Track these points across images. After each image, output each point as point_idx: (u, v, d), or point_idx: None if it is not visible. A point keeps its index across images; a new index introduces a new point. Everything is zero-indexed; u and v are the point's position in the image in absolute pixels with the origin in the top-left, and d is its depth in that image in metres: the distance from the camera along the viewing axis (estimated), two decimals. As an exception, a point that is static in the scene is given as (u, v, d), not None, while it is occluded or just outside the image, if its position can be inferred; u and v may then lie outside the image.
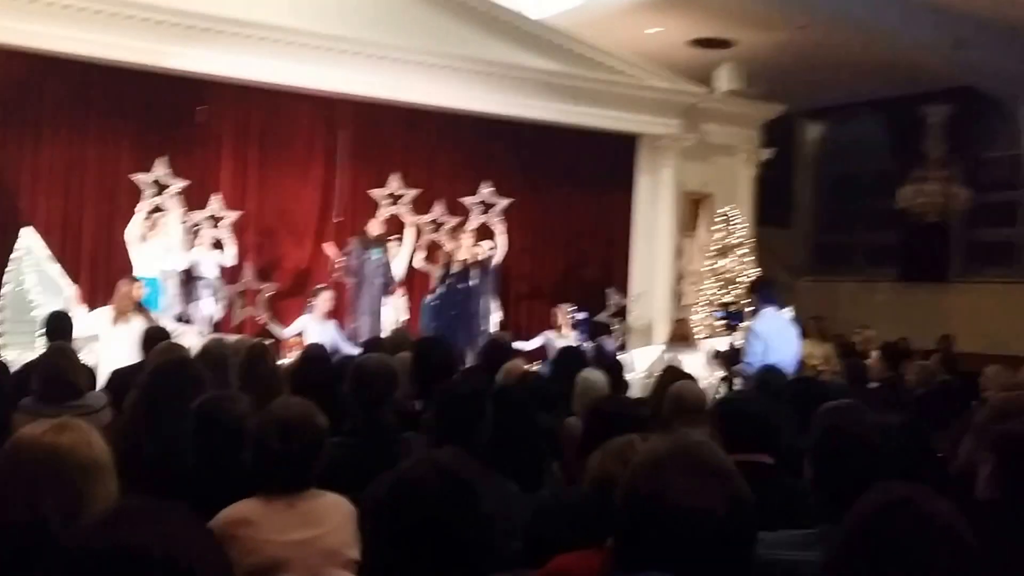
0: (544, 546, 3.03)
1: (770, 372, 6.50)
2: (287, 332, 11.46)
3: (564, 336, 12.28)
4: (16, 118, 11.54)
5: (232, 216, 12.37)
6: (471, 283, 11.83)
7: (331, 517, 3.38)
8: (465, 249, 12.01)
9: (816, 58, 15.04)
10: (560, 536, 3.04)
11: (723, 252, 14.20)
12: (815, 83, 16.31)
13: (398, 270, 12.39)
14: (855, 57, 14.82)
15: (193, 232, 12.06)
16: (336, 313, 11.77)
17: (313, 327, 11.04)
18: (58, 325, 7.06)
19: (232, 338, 7.88)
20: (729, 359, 9.30)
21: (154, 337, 6.48)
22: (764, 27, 14.04)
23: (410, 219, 13.03)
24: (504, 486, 3.56)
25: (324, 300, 11.33)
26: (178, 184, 11.98)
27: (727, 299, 13.29)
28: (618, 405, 4.11)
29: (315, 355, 6.30)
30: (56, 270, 10.89)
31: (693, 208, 15.18)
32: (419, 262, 12.87)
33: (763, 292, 8.28)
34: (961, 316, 15.98)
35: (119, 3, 11.23)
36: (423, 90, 12.82)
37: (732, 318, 9.23)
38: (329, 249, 12.44)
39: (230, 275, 12.39)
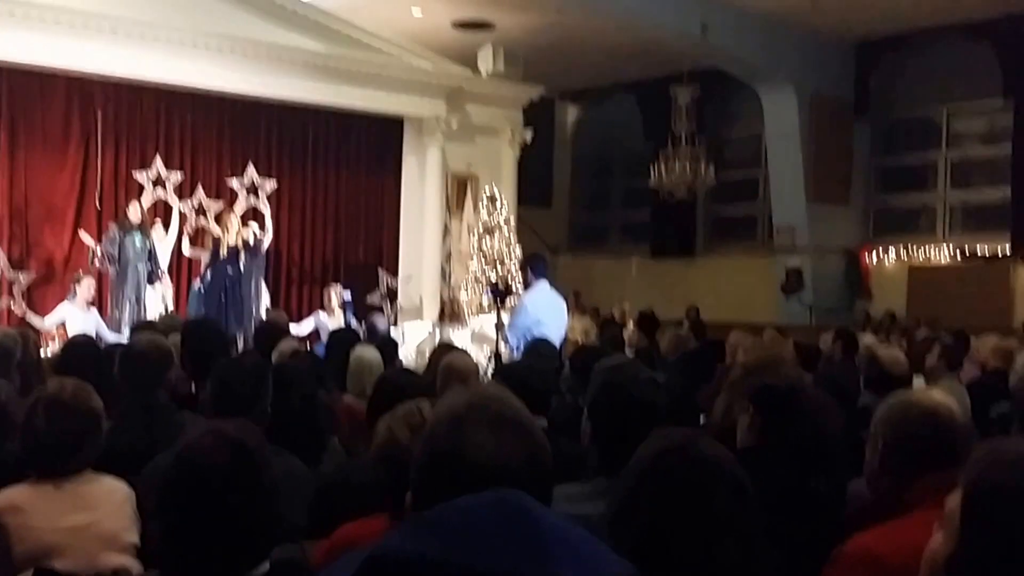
0: (330, 519, 3.07)
1: (540, 342, 6.70)
2: (48, 321, 10.95)
3: (335, 317, 12.22)
4: None
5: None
6: (240, 267, 11.59)
7: (107, 501, 3.30)
8: (233, 233, 11.75)
9: (573, 41, 15.52)
10: (345, 507, 3.08)
11: (489, 231, 14.46)
12: (572, 66, 16.83)
13: (163, 256, 12.00)
14: (608, 40, 15.38)
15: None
16: (97, 301, 11.30)
17: (75, 315, 10.60)
18: None
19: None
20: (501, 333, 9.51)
21: None
22: (523, 9, 14.36)
23: (175, 203, 12.62)
24: (288, 461, 3.56)
25: (85, 287, 10.90)
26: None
27: (494, 277, 13.54)
28: (404, 376, 4.18)
29: (80, 342, 6.06)
30: None
31: (459, 189, 15.38)
32: (186, 248, 12.50)
33: (535, 267, 8.51)
34: (707, 288, 16.92)
35: None
36: (184, 69, 12.49)
37: (500, 295, 9.45)
38: (85, 236, 11.92)
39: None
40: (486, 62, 15.63)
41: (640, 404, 3.11)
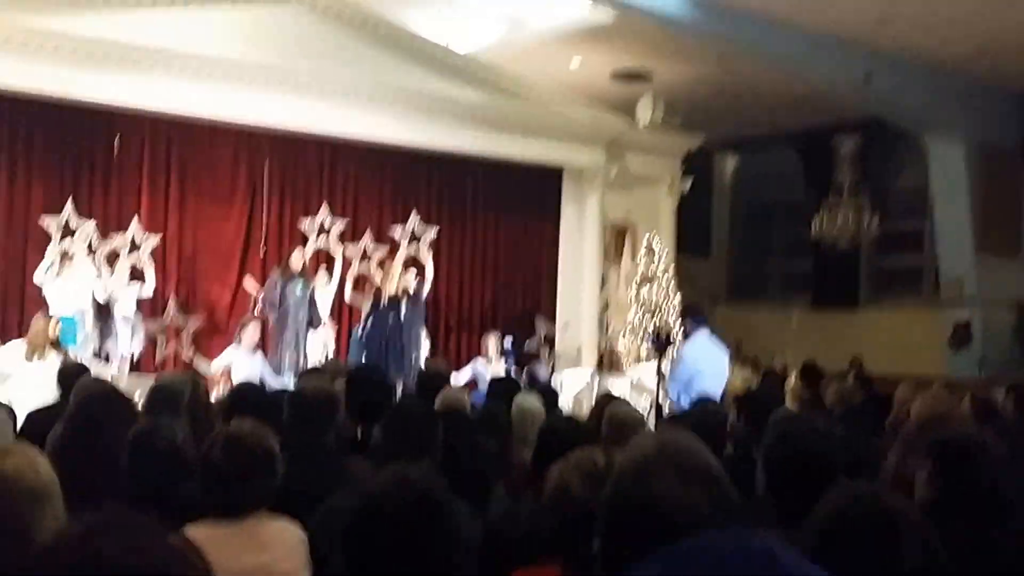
0: (498, 565, 3.03)
1: (705, 398, 6.57)
2: (214, 366, 11.26)
3: (492, 365, 12.28)
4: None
5: (152, 241, 12.11)
6: (401, 315, 11.76)
7: (281, 543, 3.31)
8: (394, 280, 11.95)
9: (732, 90, 15.37)
10: (514, 554, 3.04)
11: (647, 281, 14.35)
12: (731, 115, 16.65)
13: (325, 303, 12.29)
14: (769, 89, 15.16)
15: (110, 264, 11.78)
16: (260, 347, 11.63)
17: (241, 360, 10.90)
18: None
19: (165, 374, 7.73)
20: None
21: (72, 373, 6.17)
22: (682, 59, 14.30)
23: (338, 251, 12.93)
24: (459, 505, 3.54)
25: (251, 332, 11.19)
26: (87, 226, 11.70)
27: (653, 325, 13.40)
28: (569, 424, 4.14)
29: (248, 386, 6.18)
30: None
31: (618, 238, 15.34)
32: (348, 294, 12.79)
33: (695, 317, 8.38)
34: (870, 339, 16.37)
35: (27, 31, 11.01)
36: (347, 121, 12.77)
37: (660, 344, 9.30)
38: (248, 283, 12.27)
39: (149, 310, 12.15)
40: (645, 112, 15.59)
41: (818, 456, 3.08)
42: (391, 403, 5.25)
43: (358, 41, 12.87)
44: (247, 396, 5.74)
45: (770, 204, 20.12)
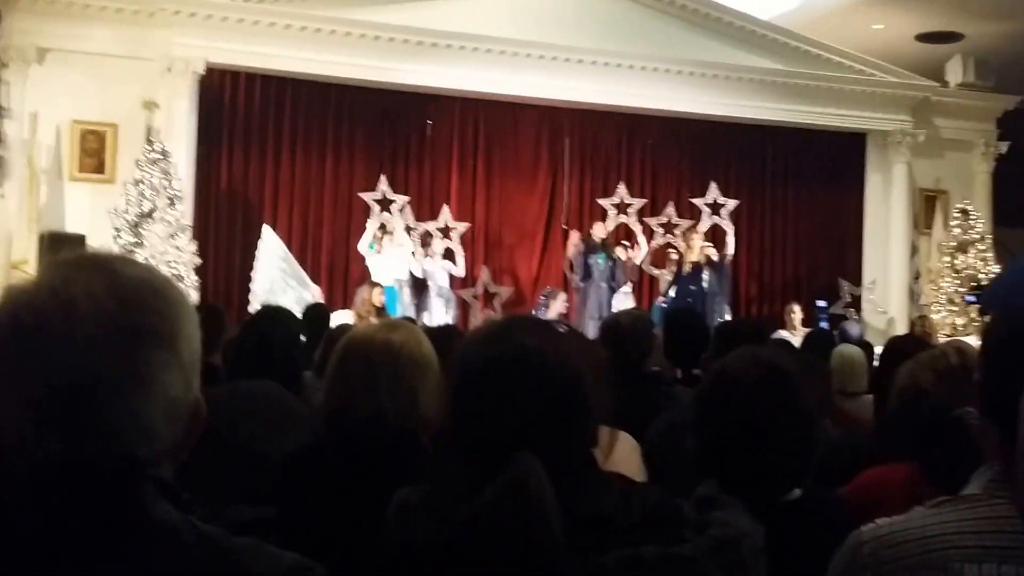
0: (846, 467, 2.98)
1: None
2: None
3: (796, 335, 11.99)
4: (258, 136, 12.22)
5: (461, 227, 12.65)
6: (703, 283, 11.72)
7: (619, 447, 3.41)
8: (696, 251, 11.92)
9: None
10: (863, 455, 2.98)
11: (961, 249, 13.61)
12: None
13: (627, 274, 12.44)
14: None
15: (425, 242, 12.40)
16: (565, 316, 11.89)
17: (547, 322, 11.17)
18: (317, 315, 7.37)
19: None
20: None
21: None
22: (995, 17, 13.45)
23: (637, 228, 13.02)
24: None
25: (560, 302, 11.48)
26: (401, 200, 12.31)
27: (973, 286, 12.69)
28: (913, 339, 4.01)
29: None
30: (296, 267, 11.45)
31: (928, 205, 14.65)
32: (647, 266, 12.86)
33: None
34: None
35: (351, 23, 11.84)
36: (646, 95, 12.91)
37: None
38: (571, 244, 12.51)
39: (460, 284, 12.70)
40: (955, 73, 14.80)
41: None
42: (704, 346, 5.26)
43: (654, 15, 12.99)
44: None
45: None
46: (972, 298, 10.57)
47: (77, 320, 1.05)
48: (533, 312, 11.79)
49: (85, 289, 1.06)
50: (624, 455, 3.36)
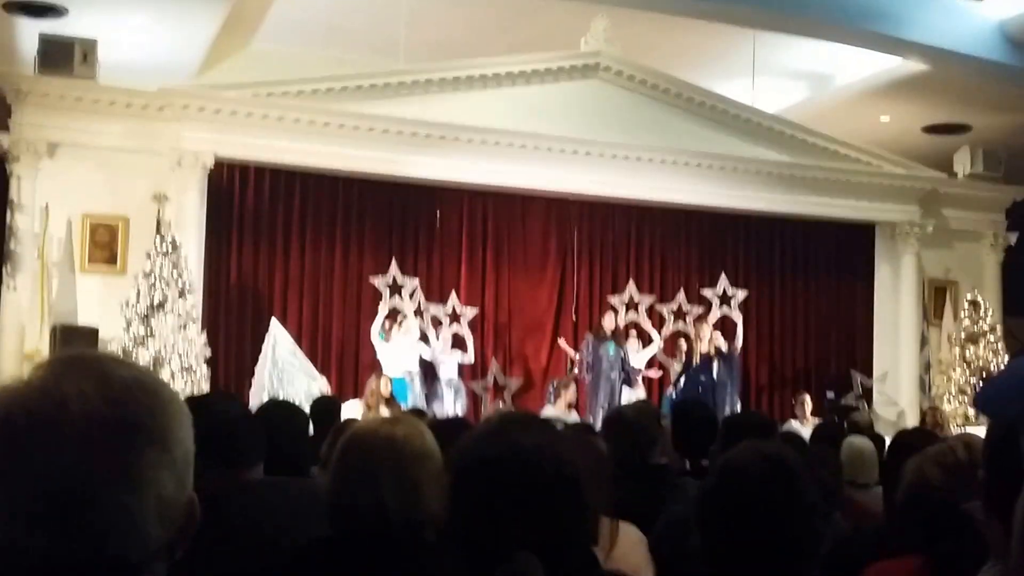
0: (853, 560, 2.94)
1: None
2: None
3: (807, 425, 11.91)
4: (267, 227, 12.30)
5: (470, 313, 12.66)
6: (714, 374, 11.69)
7: (623, 540, 3.38)
8: (706, 341, 11.92)
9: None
10: (870, 548, 2.95)
11: (972, 340, 13.57)
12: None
13: (638, 364, 12.41)
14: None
15: (434, 330, 12.40)
16: (575, 407, 11.84)
17: (556, 418, 11.12)
18: (325, 408, 7.33)
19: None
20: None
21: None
22: (1003, 109, 13.57)
23: (647, 324, 13.00)
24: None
25: (572, 392, 11.45)
26: (411, 283, 12.36)
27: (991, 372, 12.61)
28: (921, 433, 3.99)
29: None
30: (304, 359, 11.45)
31: (937, 296, 14.65)
32: (660, 356, 12.85)
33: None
34: None
35: (359, 117, 12.00)
36: (654, 187, 13.03)
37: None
38: (564, 343, 12.61)
39: (470, 374, 12.67)
40: (963, 164, 14.90)
41: None
42: (713, 438, 5.24)
43: (662, 108, 13.16)
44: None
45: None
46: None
47: (67, 419, 1.05)
48: (546, 402, 11.77)
49: (76, 388, 1.06)
50: (628, 548, 3.33)
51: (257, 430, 3.41)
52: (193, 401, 3.85)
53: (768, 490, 2.24)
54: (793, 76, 13.92)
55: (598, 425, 11.25)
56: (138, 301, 10.77)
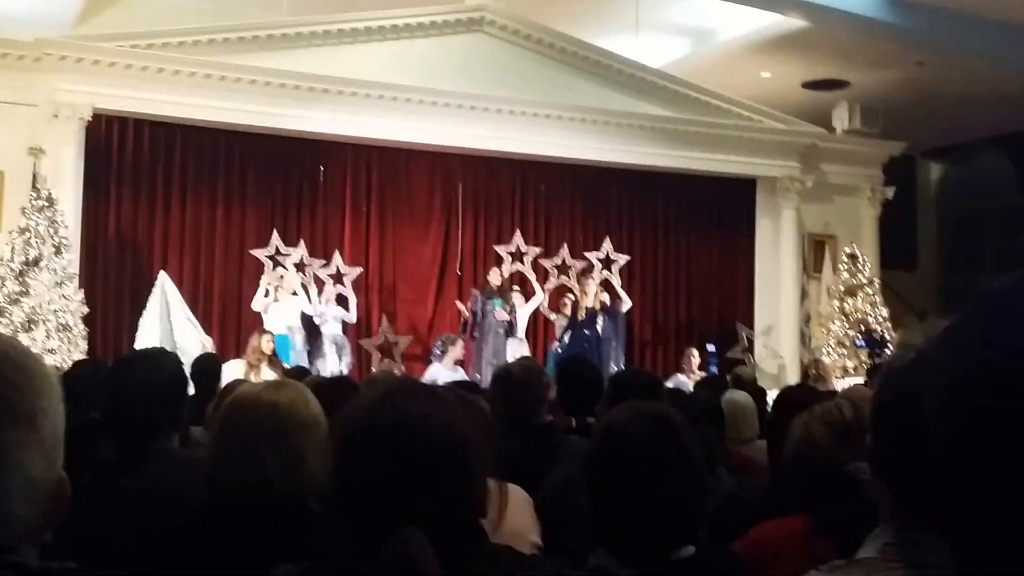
0: (729, 529, 2.97)
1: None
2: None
3: (693, 379, 12.12)
4: (147, 182, 11.98)
5: (354, 273, 12.53)
6: (599, 329, 11.78)
7: (510, 502, 3.36)
8: (591, 296, 11.99)
9: (933, 94, 14.79)
10: (757, 509, 2.98)
11: (850, 292, 13.93)
12: (934, 120, 16.02)
13: (522, 321, 12.44)
14: (973, 91, 14.52)
15: (317, 288, 12.25)
16: (461, 363, 11.84)
17: (443, 375, 11.10)
18: (207, 367, 7.15)
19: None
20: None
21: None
22: (880, 66, 13.88)
23: (531, 275, 13.04)
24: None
25: (458, 349, 11.42)
26: (295, 252, 12.19)
27: (862, 329, 12.96)
28: (806, 390, 4.05)
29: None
30: (190, 316, 11.22)
31: (817, 249, 14.99)
32: (544, 310, 12.89)
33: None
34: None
35: (240, 69, 11.75)
36: (538, 141, 13.00)
37: (875, 345, 8.92)
38: (461, 305, 12.59)
39: (356, 331, 12.55)
40: (841, 120, 15.23)
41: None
42: (599, 396, 5.25)
43: (546, 63, 13.15)
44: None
45: (981, 212, 19.21)
46: (862, 342, 10.78)
47: None
48: (432, 359, 11.73)
49: None
50: (514, 510, 3.31)
51: (176, 398, 3.26)
52: (118, 366, 3.70)
53: (653, 449, 2.24)
54: (676, 32, 14.00)
55: (485, 382, 11.33)
56: (12, 258, 10.39)
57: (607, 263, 13.45)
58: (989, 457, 0.70)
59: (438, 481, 1.51)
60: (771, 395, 11.52)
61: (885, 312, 13.65)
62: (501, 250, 13.20)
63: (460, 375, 11.36)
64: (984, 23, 12.55)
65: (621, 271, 13.37)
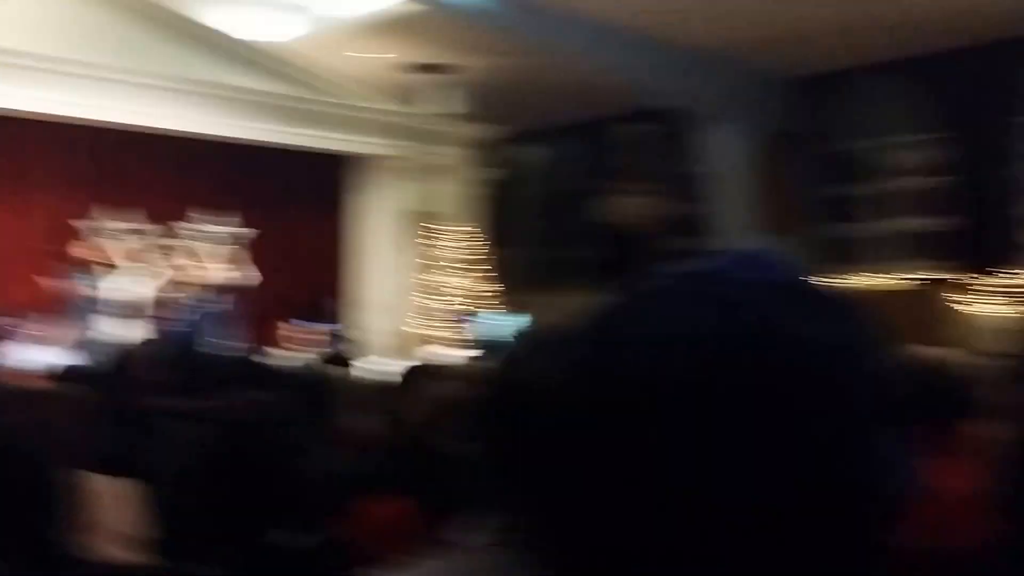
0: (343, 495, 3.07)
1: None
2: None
3: (290, 352, 12.15)
4: None
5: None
6: (206, 308, 11.56)
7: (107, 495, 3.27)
8: (195, 273, 11.72)
9: (528, 82, 15.59)
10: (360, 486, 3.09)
11: (443, 269, 14.46)
12: (530, 107, 16.90)
13: (123, 296, 11.94)
14: (557, 81, 15.47)
15: None
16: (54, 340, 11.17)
17: (38, 357, 10.45)
18: None
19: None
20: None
21: None
22: (485, 51, 14.43)
23: (119, 246, 12.46)
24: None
25: (38, 326, 10.80)
26: None
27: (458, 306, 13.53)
28: (422, 370, 4.24)
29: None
30: None
31: (414, 225, 15.38)
32: (151, 290, 12.39)
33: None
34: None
35: None
36: (129, 110, 12.47)
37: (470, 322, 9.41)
38: (44, 281, 11.81)
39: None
40: (445, 102, 15.72)
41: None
42: (207, 379, 5.21)
43: (139, 28, 12.62)
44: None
45: (567, 193, 20.54)
46: (461, 317, 11.23)
47: None
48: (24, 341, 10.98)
49: None
50: (111, 502, 3.23)
51: None
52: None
53: (260, 438, 2.29)
54: (291, 10, 13.86)
55: (80, 360, 10.76)
56: None
57: (212, 237, 13.09)
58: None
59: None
60: (363, 366, 11.83)
61: (486, 288, 14.26)
62: (87, 226, 12.52)
63: (52, 352, 10.74)
64: (573, 21, 13.37)
65: (233, 244, 13.06)
